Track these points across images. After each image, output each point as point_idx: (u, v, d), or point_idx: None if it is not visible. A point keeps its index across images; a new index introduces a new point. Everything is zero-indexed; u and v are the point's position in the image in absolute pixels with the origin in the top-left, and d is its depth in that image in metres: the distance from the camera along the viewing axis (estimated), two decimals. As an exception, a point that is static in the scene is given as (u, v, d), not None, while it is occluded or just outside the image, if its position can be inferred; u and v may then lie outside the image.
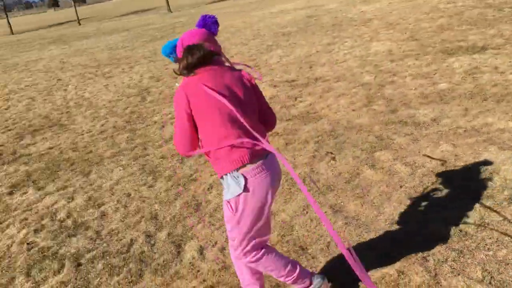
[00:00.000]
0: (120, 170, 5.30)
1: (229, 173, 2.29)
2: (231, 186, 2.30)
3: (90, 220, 4.24)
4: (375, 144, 4.76)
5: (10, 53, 20.51)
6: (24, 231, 4.21)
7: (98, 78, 11.19)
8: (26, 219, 4.45)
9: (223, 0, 31.70)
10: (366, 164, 4.38)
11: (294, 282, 2.63)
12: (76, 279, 3.39)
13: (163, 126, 6.61)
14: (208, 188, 4.47)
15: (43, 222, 4.34)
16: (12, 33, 36.00)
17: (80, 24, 35.69)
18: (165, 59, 12.31)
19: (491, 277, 2.72)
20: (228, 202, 2.36)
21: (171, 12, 35.77)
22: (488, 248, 2.96)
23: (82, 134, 6.86)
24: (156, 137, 6.23)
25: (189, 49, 2.33)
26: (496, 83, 5.88)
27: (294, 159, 4.76)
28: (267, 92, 7.36)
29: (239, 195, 2.30)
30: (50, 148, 6.46)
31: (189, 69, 2.33)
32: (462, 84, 6.08)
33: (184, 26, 20.28)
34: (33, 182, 5.35)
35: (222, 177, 2.36)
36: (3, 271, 3.63)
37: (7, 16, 38.34)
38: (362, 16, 13.56)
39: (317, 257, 3.18)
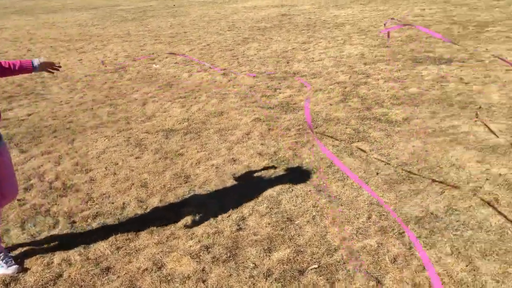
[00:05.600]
0: (104, 140, 5.41)
1: None
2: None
3: (80, 184, 4.36)
4: (352, 136, 5.13)
5: (-30, 19, 19.65)
6: (12, 189, 4.28)
7: (71, 52, 11.06)
8: (13, 178, 4.51)
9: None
10: (345, 152, 4.73)
11: None
12: (72, 234, 3.53)
13: (144, 104, 6.74)
14: (196, 163, 4.68)
15: (31, 182, 4.42)
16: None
17: (43, -3, 34.46)
18: (141, 40, 12.30)
19: (458, 252, 3.11)
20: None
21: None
22: (456, 229, 3.36)
23: (61, 104, 6.87)
24: (138, 113, 6.35)
25: None
26: (461, 92, 6.40)
27: (278, 143, 5.05)
28: (246, 81, 7.62)
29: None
30: (29, 114, 6.45)
31: None
32: (430, 90, 6.57)
33: (155, 10, 20.14)
34: (15, 144, 5.37)
35: None
36: (-4, 224, 3.71)
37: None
38: (335, 19, 14.03)
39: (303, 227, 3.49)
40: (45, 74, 8.86)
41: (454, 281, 2.85)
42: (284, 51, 9.93)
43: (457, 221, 3.46)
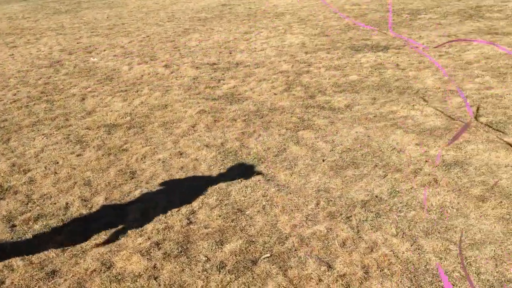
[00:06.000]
0: (42, 138, 5.17)
1: None
2: None
3: (18, 185, 4.15)
4: (298, 124, 5.19)
5: None
6: None
7: (1, 47, 10.45)
8: None
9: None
10: (292, 141, 4.79)
11: None
12: (12, 238, 3.36)
13: (83, 99, 6.49)
14: (141, 158, 4.58)
15: (-36, 186, 4.16)
16: None
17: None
18: (76, 32, 11.81)
19: (403, 233, 3.24)
20: None
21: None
22: (400, 210, 3.50)
23: (-7, 102, 6.49)
24: (78, 108, 6.11)
25: None
26: (398, 78, 6.64)
27: (224, 135, 5.03)
28: (189, 72, 7.52)
29: None
30: (-43, 114, 6.04)
31: None
32: (369, 77, 6.77)
33: (90, 1, 19.40)
34: None
35: None
36: None
37: None
38: (275, 9, 14.11)
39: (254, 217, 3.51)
40: (-27, 70, 8.32)
41: (401, 260, 2.96)
42: (226, 41, 9.87)
43: (401, 202, 3.60)
